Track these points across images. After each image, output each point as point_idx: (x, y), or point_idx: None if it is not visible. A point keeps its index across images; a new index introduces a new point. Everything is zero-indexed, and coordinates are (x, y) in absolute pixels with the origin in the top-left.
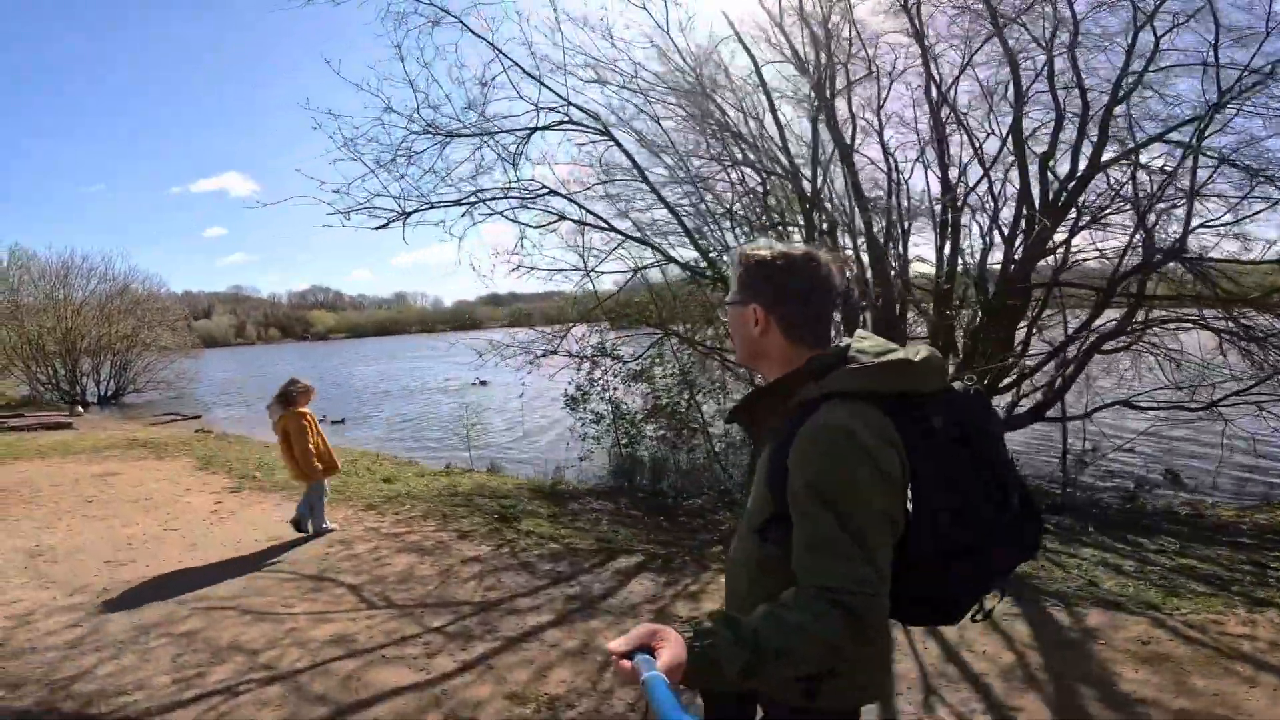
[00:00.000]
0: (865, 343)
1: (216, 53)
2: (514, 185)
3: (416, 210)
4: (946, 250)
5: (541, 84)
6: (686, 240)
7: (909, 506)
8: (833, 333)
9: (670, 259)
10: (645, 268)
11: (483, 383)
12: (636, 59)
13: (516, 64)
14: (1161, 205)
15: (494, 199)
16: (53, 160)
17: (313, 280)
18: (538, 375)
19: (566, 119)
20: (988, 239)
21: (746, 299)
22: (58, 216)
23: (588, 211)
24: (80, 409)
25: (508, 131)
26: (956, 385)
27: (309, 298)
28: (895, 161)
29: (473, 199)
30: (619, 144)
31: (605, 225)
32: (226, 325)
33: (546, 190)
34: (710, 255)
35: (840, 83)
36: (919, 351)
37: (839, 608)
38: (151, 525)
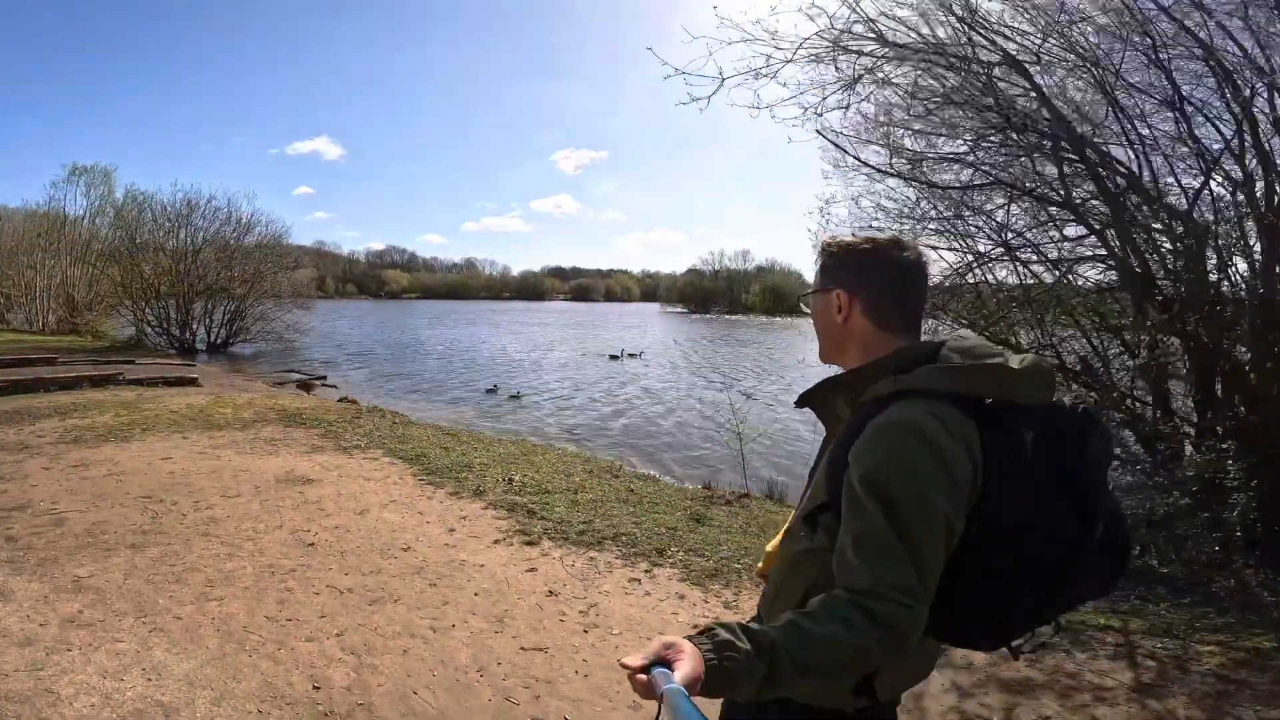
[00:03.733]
0: (964, 343)
1: (331, 33)
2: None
3: None
4: None
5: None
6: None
7: (979, 518)
8: (920, 325)
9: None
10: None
11: (617, 357)
12: None
13: None
14: None
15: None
16: (175, 120)
17: (387, 241)
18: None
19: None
20: None
21: (829, 285)
22: (172, 172)
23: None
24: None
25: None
26: (1065, 401)
27: (385, 257)
28: None
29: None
30: (1045, 96)
31: (1060, 200)
32: (309, 278)
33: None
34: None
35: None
36: (1024, 359)
37: (870, 618)
38: (488, 633)
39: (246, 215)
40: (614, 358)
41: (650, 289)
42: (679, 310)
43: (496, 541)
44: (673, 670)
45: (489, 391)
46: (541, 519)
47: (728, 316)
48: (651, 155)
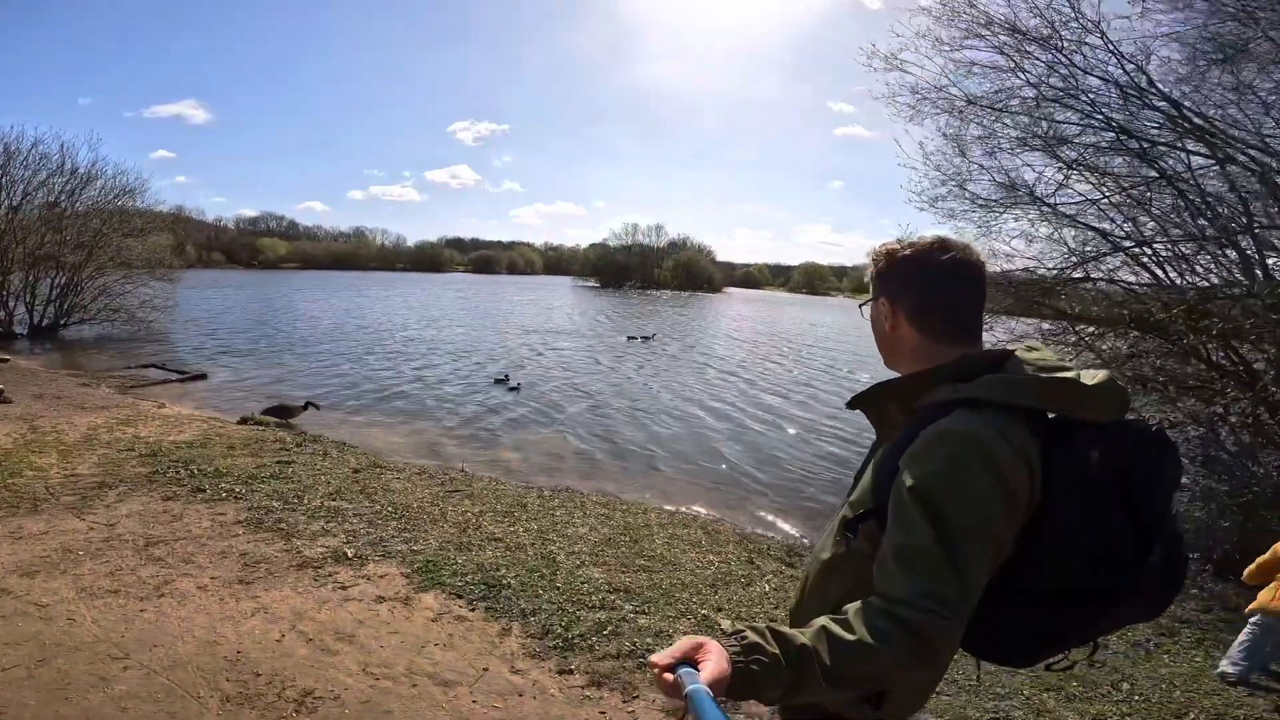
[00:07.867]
0: (1033, 354)
1: None
2: None
3: None
4: None
5: None
6: None
7: (1030, 535)
8: (980, 330)
9: None
10: None
11: (635, 338)
12: None
13: None
14: None
15: None
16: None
17: (262, 208)
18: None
19: None
20: None
21: (875, 294)
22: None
23: None
24: None
25: None
26: (1137, 419)
27: (260, 224)
28: None
29: None
30: None
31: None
32: (166, 245)
33: None
34: None
35: None
36: (1095, 375)
37: (905, 629)
38: None
39: (85, 166)
40: (631, 339)
41: (554, 262)
42: (592, 285)
43: None
44: (698, 670)
45: (497, 382)
46: None
47: (642, 292)
48: (554, 129)
